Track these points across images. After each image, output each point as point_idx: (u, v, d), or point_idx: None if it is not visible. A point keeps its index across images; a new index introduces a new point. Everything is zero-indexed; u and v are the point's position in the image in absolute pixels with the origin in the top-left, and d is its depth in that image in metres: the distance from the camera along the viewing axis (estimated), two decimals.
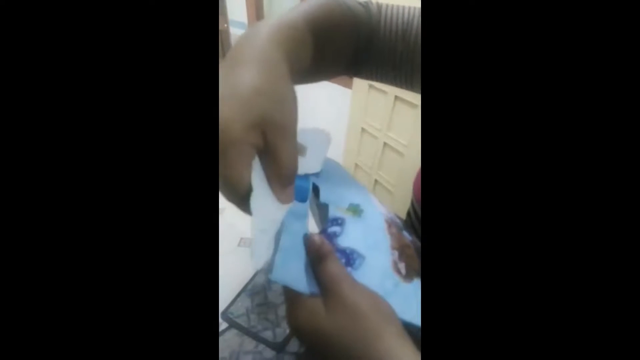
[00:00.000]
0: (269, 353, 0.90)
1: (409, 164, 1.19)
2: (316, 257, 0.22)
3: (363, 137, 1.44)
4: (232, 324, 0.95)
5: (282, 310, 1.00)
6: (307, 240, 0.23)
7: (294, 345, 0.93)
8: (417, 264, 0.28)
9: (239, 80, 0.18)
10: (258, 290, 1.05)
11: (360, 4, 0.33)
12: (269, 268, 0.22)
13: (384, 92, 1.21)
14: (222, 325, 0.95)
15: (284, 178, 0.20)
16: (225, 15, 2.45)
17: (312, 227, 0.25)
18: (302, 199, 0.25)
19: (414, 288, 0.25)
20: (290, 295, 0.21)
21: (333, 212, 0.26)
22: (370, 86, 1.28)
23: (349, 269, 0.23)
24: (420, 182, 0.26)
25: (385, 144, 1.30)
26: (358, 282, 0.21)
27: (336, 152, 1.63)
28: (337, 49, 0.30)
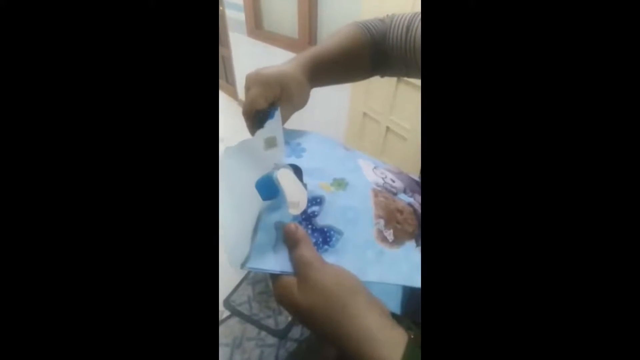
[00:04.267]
0: (271, 339, 0.91)
1: (412, 149, 1.16)
2: (291, 243, 0.24)
3: (365, 121, 1.40)
4: (234, 312, 0.96)
5: None
6: (284, 228, 0.25)
7: (295, 332, 0.94)
8: (412, 226, 0.28)
9: (276, 68, 0.32)
10: (259, 279, 1.05)
11: (380, 19, 0.41)
12: (244, 261, 0.24)
13: None
14: (225, 313, 0.96)
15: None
16: None
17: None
18: (272, 195, 0.27)
19: (405, 252, 0.26)
20: (272, 276, 0.25)
21: (313, 191, 0.27)
22: None
23: (326, 246, 0.25)
24: None
25: (387, 128, 1.26)
26: (326, 263, 0.23)
27: (337, 138, 1.60)
28: (359, 61, 0.41)
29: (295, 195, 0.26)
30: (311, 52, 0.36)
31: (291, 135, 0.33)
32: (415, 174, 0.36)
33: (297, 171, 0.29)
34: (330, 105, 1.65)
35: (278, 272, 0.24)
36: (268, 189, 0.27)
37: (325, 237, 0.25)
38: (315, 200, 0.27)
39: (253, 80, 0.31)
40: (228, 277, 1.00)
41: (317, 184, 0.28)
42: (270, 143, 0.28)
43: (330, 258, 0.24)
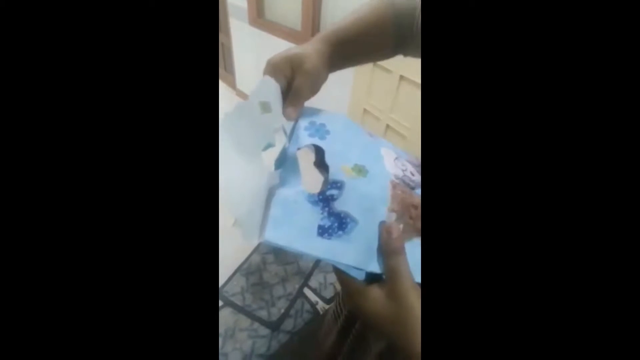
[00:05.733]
0: (264, 331, 0.92)
1: (412, 147, 1.16)
2: (387, 248, 0.25)
3: (365, 118, 1.40)
4: (227, 302, 0.96)
5: (277, 291, 1.01)
6: (383, 228, 0.25)
7: (288, 324, 0.95)
8: None
9: (290, 50, 0.32)
10: (253, 270, 1.05)
11: None
12: (259, 233, 0.24)
13: (388, 71, 1.16)
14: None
15: (295, 99, 0.31)
16: None
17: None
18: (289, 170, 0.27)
19: (410, 247, 0.27)
20: (347, 280, 0.25)
21: (334, 175, 0.27)
22: (375, 65, 1.22)
23: (340, 232, 0.25)
24: None
25: (387, 126, 1.26)
26: (412, 278, 0.24)
27: None
28: (382, 39, 0.39)
29: (311, 176, 0.26)
30: (331, 30, 0.36)
31: (317, 115, 0.33)
32: None
33: (319, 152, 0.29)
34: (330, 99, 1.64)
35: (294, 250, 0.24)
36: (283, 164, 0.27)
37: (341, 223, 0.25)
38: (336, 184, 0.27)
39: (266, 68, 0.31)
40: (222, 268, 1.01)
41: (339, 167, 0.27)
42: (265, 108, 0.29)
43: (342, 245, 0.25)
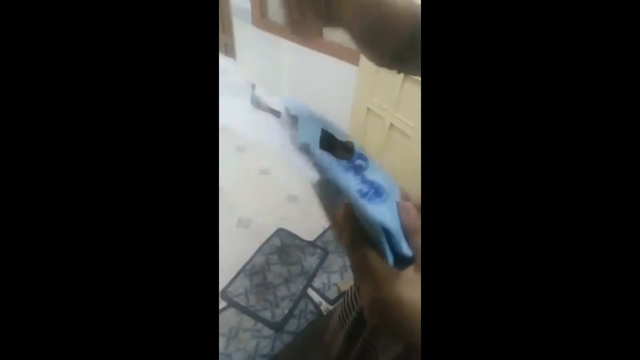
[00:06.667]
0: (268, 331, 0.92)
1: (415, 147, 1.15)
2: (409, 227, 0.23)
3: (368, 117, 1.39)
4: (231, 303, 0.96)
5: (280, 291, 1.01)
6: (400, 207, 0.24)
7: (292, 325, 0.94)
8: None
9: None
10: (257, 270, 1.05)
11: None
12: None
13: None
14: (221, 303, 0.96)
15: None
16: None
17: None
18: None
19: None
20: (379, 263, 0.23)
21: (358, 149, 0.27)
22: None
23: (378, 199, 0.24)
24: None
25: (391, 125, 1.25)
26: None
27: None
28: (381, 42, 0.34)
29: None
30: None
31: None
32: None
33: (327, 134, 0.29)
34: (333, 98, 1.63)
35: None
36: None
37: (377, 190, 0.24)
38: (361, 155, 0.26)
39: None
40: (225, 269, 1.00)
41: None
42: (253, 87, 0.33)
43: (383, 210, 0.23)
